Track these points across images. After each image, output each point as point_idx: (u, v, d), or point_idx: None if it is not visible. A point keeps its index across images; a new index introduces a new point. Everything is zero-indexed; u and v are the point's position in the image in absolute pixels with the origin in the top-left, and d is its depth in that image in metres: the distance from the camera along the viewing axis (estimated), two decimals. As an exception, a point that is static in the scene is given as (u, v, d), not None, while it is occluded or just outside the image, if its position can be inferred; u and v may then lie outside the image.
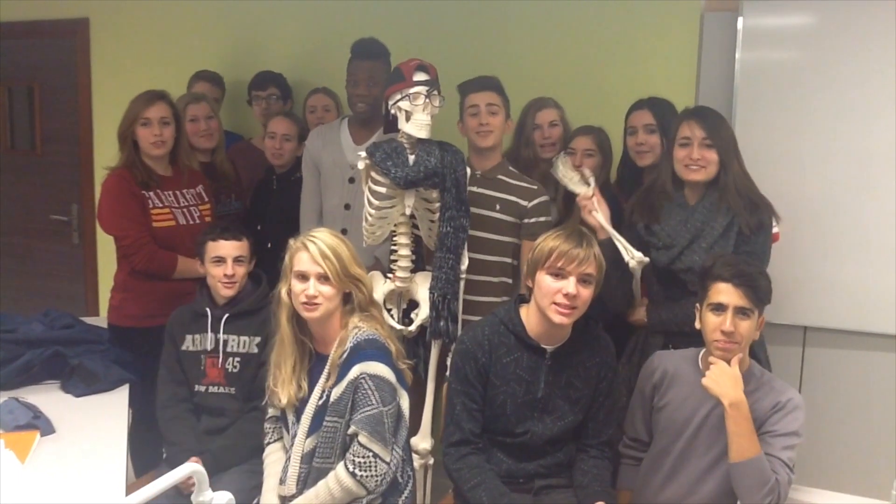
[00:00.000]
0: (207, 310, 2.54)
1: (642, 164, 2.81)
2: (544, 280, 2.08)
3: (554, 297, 2.06)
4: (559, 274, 2.06)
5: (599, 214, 2.48)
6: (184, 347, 2.54)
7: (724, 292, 2.03)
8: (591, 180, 2.55)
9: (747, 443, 1.95)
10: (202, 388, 2.53)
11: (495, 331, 2.18)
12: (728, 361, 2.03)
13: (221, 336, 2.52)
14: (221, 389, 2.52)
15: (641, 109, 2.82)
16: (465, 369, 2.16)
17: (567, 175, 2.59)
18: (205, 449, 2.39)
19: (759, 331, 2.10)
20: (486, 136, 2.68)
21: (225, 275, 2.51)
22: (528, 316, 2.18)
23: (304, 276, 2.08)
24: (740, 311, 2.02)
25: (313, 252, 2.07)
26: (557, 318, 2.07)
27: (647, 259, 2.42)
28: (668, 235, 2.45)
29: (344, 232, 3.00)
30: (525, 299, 2.22)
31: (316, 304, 2.07)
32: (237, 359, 2.52)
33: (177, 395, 2.53)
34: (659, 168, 2.56)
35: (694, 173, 2.41)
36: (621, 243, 2.44)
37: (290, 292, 2.12)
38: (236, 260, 2.54)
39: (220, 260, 2.52)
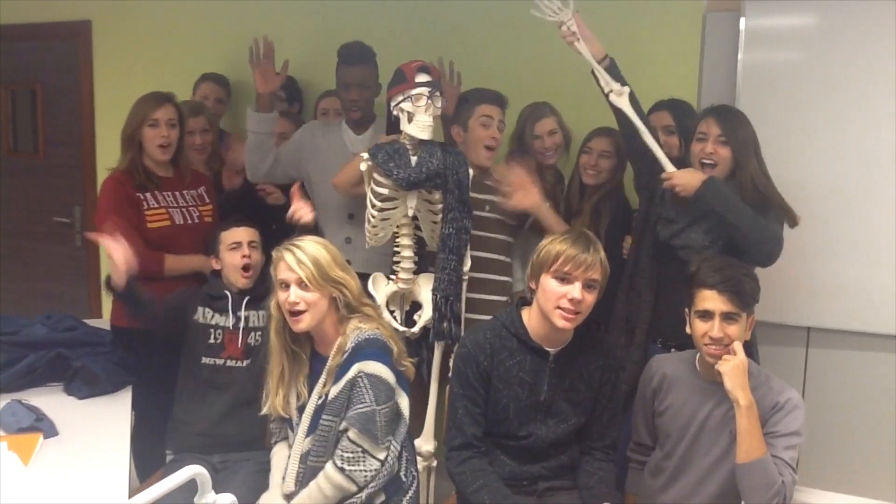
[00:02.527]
0: (227, 293, 2.59)
1: None
2: (549, 283, 2.07)
3: (558, 302, 2.05)
4: (565, 278, 2.05)
5: (581, 45, 2.48)
6: (195, 317, 2.58)
7: (710, 299, 2.03)
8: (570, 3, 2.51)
9: (757, 443, 1.95)
10: (218, 362, 2.56)
11: (497, 334, 2.18)
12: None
13: (243, 314, 2.58)
14: (238, 363, 2.57)
15: (661, 111, 2.83)
16: (467, 373, 2.16)
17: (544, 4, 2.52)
18: None
19: (751, 330, 2.10)
20: (493, 154, 2.74)
21: (243, 256, 2.57)
22: (530, 319, 2.17)
23: (285, 284, 2.11)
24: (727, 317, 2.02)
25: (289, 260, 2.10)
26: (561, 323, 2.06)
27: (626, 88, 2.46)
28: (675, 211, 2.47)
29: (348, 241, 2.96)
30: (527, 302, 2.22)
31: (299, 311, 2.08)
32: (258, 333, 2.58)
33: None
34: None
35: (706, 170, 2.42)
36: (602, 75, 2.48)
37: (277, 306, 2.15)
38: (251, 245, 2.60)
39: (237, 245, 2.58)
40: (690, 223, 2.45)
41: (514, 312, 2.20)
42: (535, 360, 2.16)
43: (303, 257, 2.09)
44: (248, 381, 2.52)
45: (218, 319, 2.59)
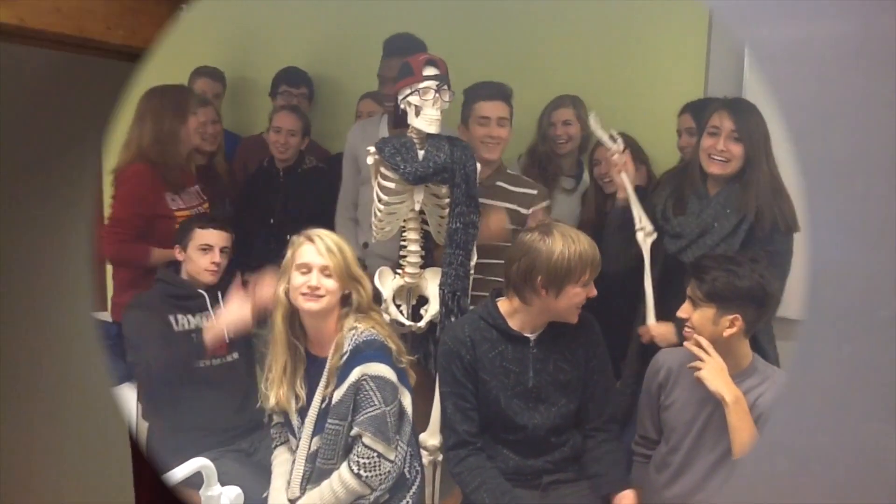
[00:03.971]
0: (201, 292, 2.56)
1: None
2: (576, 291, 2.10)
3: (580, 302, 2.12)
4: (587, 283, 2.10)
5: (626, 175, 2.44)
6: (175, 329, 2.51)
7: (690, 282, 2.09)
8: (619, 139, 2.48)
9: (748, 437, 1.96)
10: (214, 362, 2.53)
11: (475, 327, 2.19)
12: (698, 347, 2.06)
13: (221, 307, 2.58)
14: (229, 358, 2.56)
15: (686, 114, 2.82)
16: (452, 369, 2.17)
17: (598, 130, 2.50)
18: None
19: (731, 332, 2.03)
20: (494, 148, 2.70)
21: (212, 262, 2.54)
22: (507, 310, 2.19)
23: (307, 268, 2.08)
24: (691, 300, 2.06)
25: (319, 246, 2.09)
26: (576, 317, 2.15)
27: (655, 234, 2.41)
28: (680, 225, 2.45)
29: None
30: (501, 293, 2.23)
31: (319, 295, 2.07)
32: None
33: None
34: (691, 156, 2.53)
35: (715, 165, 2.40)
36: (637, 210, 2.43)
37: (287, 291, 2.11)
38: (222, 251, 2.58)
39: (209, 248, 2.54)
40: (697, 238, 2.41)
41: (490, 304, 2.22)
42: (517, 347, 2.17)
43: (332, 246, 2.09)
44: (243, 374, 2.56)
45: (196, 322, 2.54)
